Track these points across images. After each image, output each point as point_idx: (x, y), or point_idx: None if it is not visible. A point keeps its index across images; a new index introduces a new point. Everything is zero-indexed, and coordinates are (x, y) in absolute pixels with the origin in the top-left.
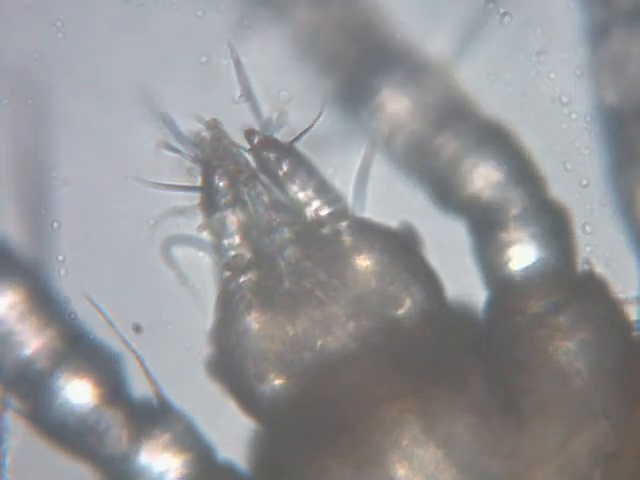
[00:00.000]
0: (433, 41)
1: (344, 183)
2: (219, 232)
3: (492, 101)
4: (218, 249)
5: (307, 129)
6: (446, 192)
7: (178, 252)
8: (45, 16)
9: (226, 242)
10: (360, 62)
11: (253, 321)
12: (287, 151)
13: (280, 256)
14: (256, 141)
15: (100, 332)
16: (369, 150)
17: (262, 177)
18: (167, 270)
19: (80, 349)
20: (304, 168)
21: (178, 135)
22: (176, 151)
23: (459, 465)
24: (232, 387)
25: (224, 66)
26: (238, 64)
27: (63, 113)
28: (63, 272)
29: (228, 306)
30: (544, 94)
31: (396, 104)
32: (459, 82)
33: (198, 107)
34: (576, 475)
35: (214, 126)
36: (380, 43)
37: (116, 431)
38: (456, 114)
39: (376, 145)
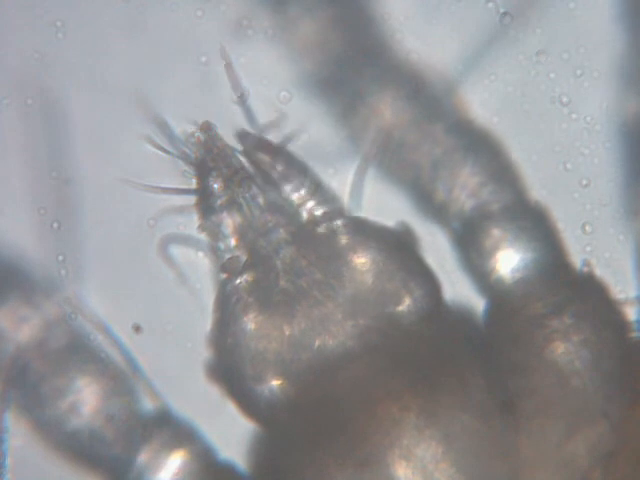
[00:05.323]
0: (433, 42)
1: (344, 184)
2: (215, 234)
3: (492, 101)
4: (214, 251)
5: (297, 132)
6: (427, 199)
7: (177, 252)
8: (45, 16)
9: (222, 244)
10: (354, 67)
11: (250, 322)
12: (279, 152)
13: (276, 256)
14: (248, 142)
15: (100, 332)
16: (367, 152)
17: (256, 178)
18: (167, 270)
19: (80, 348)
20: (297, 169)
21: (172, 138)
22: (169, 153)
23: (458, 465)
24: (230, 389)
25: (224, 66)
26: (229, 67)
27: (63, 113)
28: (63, 272)
29: (225, 308)
30: (544, 94)
31: (385, 111)
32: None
33: (197, 107)
34: (575, 475)
35: (208, 128)
36: (378, 50)
37: (115, 431)
38: (442, 120)
39: (374, 148)
